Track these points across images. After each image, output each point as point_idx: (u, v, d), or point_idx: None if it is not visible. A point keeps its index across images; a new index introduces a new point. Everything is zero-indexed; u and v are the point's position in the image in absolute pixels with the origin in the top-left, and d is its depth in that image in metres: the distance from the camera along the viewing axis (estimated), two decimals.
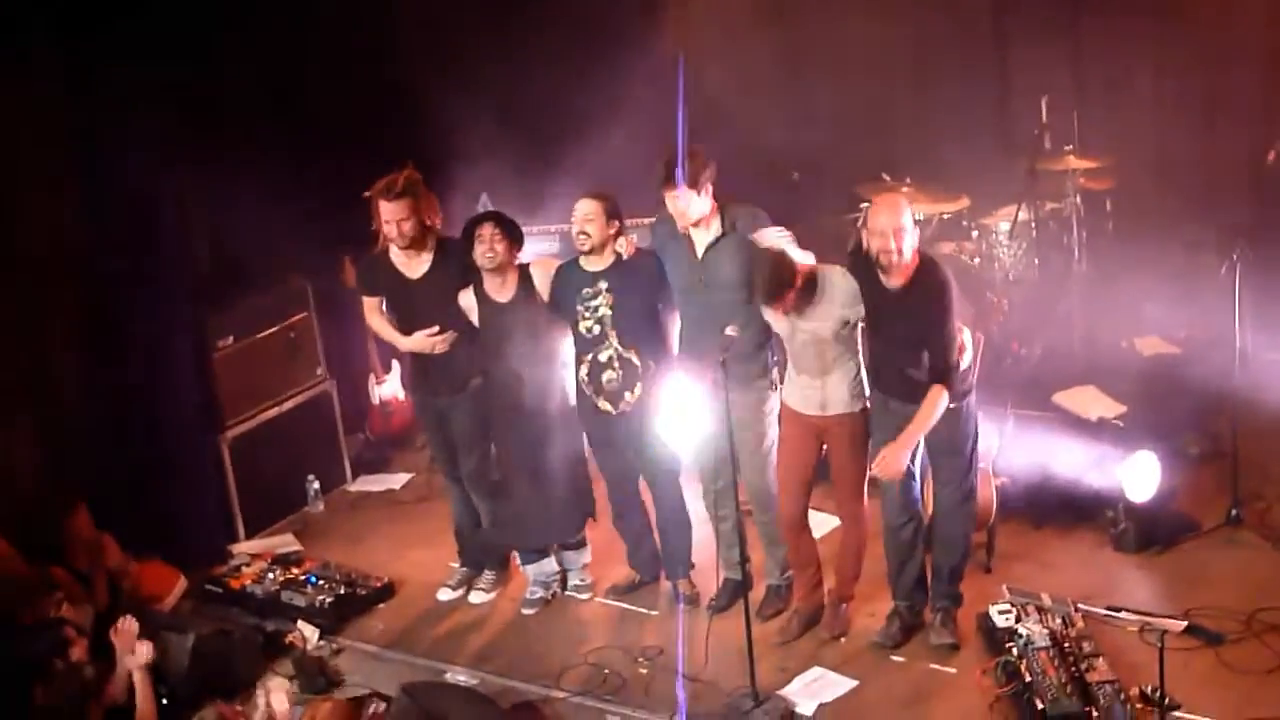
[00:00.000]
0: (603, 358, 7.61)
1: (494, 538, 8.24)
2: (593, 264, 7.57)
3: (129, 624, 6.83)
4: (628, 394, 7.59)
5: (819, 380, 7.21)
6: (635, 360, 7.57)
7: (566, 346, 7.71)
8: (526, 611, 8.12)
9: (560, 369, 7.74)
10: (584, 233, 7.47)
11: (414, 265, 7.89)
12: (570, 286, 7.63)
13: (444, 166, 8.88)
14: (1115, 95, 10.15)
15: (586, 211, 7.48)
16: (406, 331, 8.00)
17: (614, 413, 7.64)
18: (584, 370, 7.66)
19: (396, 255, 7.88)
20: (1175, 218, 9.90)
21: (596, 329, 7.58)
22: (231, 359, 9.22)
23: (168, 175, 8.57)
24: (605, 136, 9.24)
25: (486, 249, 7.53)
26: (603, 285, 7.55)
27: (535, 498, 7.90)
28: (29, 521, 8.01)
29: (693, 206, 7.26)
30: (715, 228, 7.36)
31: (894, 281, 6.85)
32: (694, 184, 7.19)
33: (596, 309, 7.57)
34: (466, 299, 7.74)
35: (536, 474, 7.84)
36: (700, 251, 7.38)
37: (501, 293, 7.68)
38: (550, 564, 8.24)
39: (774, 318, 7.19)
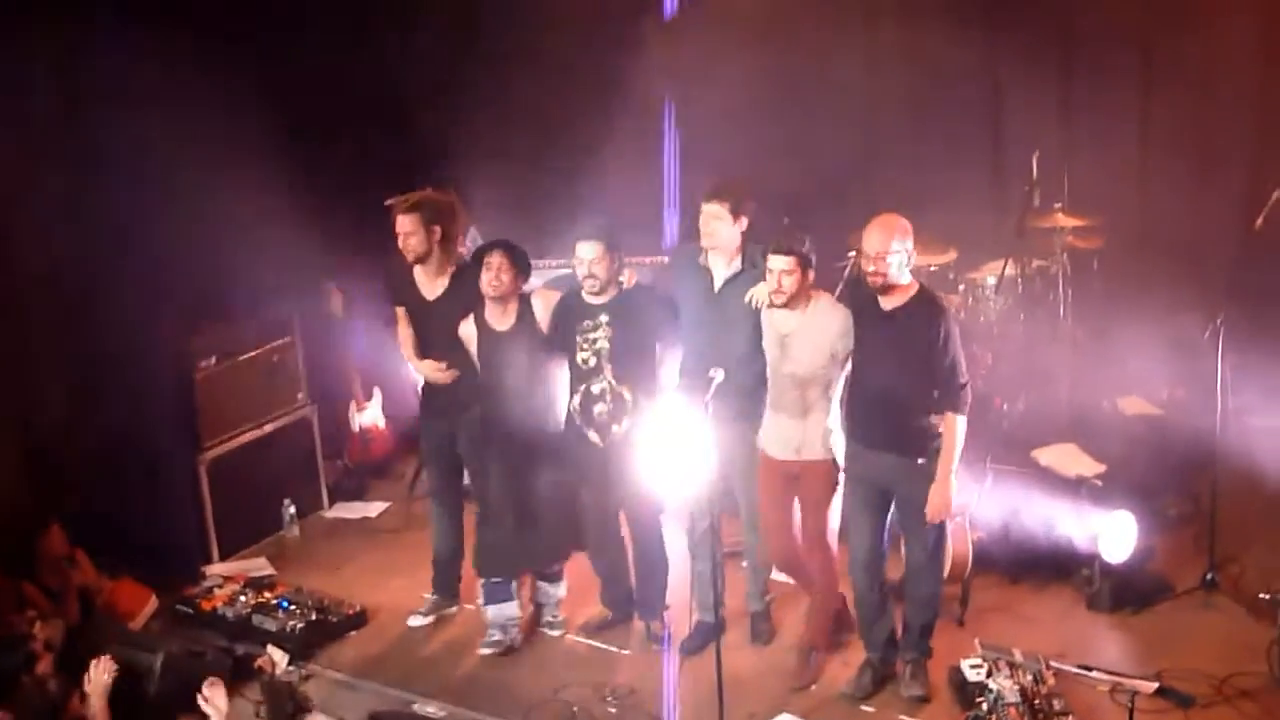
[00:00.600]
0: (595, 389, 7.65)
1: (475, 565, 8.13)
2: (595, 297, 7.62)
3: (105, 664, 6.84)
4: (615, 427, 7.61)
5: (797, 421, 7.22)
6: (626, 395, 7.60)
7: (562, 377, 7.75)
8: (484, 652, 8.02)
9: (555, 399, 7.78)
10: (592, 276, 7.51)
11: (432, 286, 8.04)
12: (571, 317, 7.69)
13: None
14: (1105, 154, 10.17)
15: (593, 255, 7.50)
16: (419, 350, 8.13)
17: (601, 445, 7.67)
18: (576, 400, 7.69)
19: (418, 273, 8.05)
20: (1161, 279, 9.91)
21: (593, 361, 7.63)
22: (213, 380, 9.20)
23: (155, 195, 8.56)
24: (599, 174, 9.29)
25: (493, 277, 7.58)
26: (603, 319, 7.60)
27: (520, 524, 7.87)
28: (2, 536, 7.98)
29: (725, 232, 7.36)
30: (736, 264, 7.44)
31: (890, 303, 6.86)
32: (736, 210, 7.32)
33: (595, 341, 7.62)
34: (466, 329, 7.78)
35: (523, 501, 7.84)
36: (718, 285, 7.45)
37: (501, 321, 7.71)
38: (512, 608, 8.07)
39: (768, 343, 7.21)
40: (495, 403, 7.80)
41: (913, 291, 6.95)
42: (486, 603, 8.07)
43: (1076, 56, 10.45)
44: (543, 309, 7.72)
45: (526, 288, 7.80)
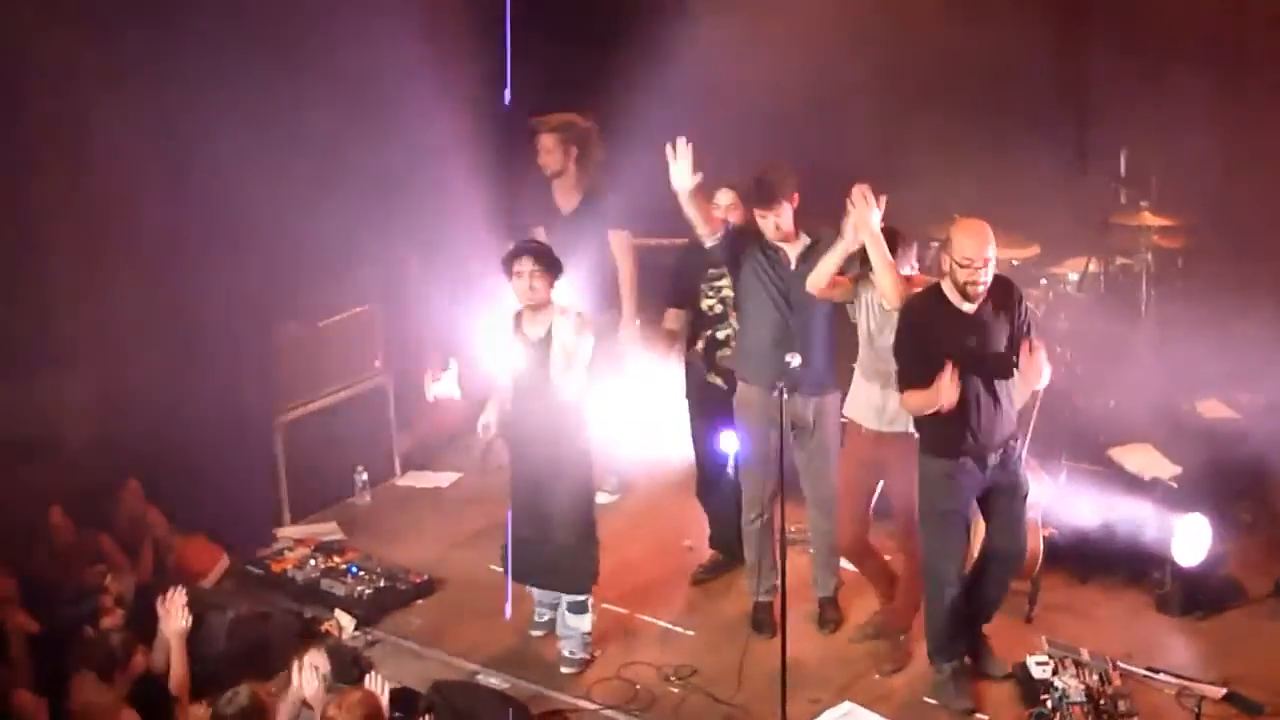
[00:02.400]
0: (720, 335, 8.02)
1: (504, 564, 7.88)
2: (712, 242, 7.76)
3: (178, 595, 6.87)
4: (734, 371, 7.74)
5: (890, 391, 7.18)
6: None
7: (597, 394, 7.69)
8: (533, 633, 7.95)
9: (583, 415, 7.58)
10: (727, 222, 7.68)
11: (567, 201, 8.86)
12: (696, 266, 7.95)
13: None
14: (1194, 155, 10.05)
15: (728, 201, 7.74)
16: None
17: (724, 387, 7.86)
18: (700, 345, 8.02)
19: (555, 188, 8.84)
20: (1245, 281, 9.80)
21: (719, 308, 8.02)
22: (292, 345, 9.28)
23: (243, 161, 8.63)
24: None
25: (526, 286, 7.40)
26: (726, 269, 7.80)
27: (539, 538, 7.63)
28: (82, 491, 8.08)
29: (785, 218, 7.40)
30: (804, 237, 7.47)
31: (971, 305, 6.81)
32: (785, 198, 7.36)
33: (720, 289, 7.96)
34: (506, 335, 7.60)
35: (543, 518, 7.59)
36: (794, 263, 7.47)
37: (536, 328, 7.51)
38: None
39: (865, 315, 7.22)
40: (521, 412, 7.62)
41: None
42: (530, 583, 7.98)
43: (1168, 54, 10.32)
44: (572, 329, 7.43)
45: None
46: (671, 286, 8.37)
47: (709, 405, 8.15)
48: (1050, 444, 8.09)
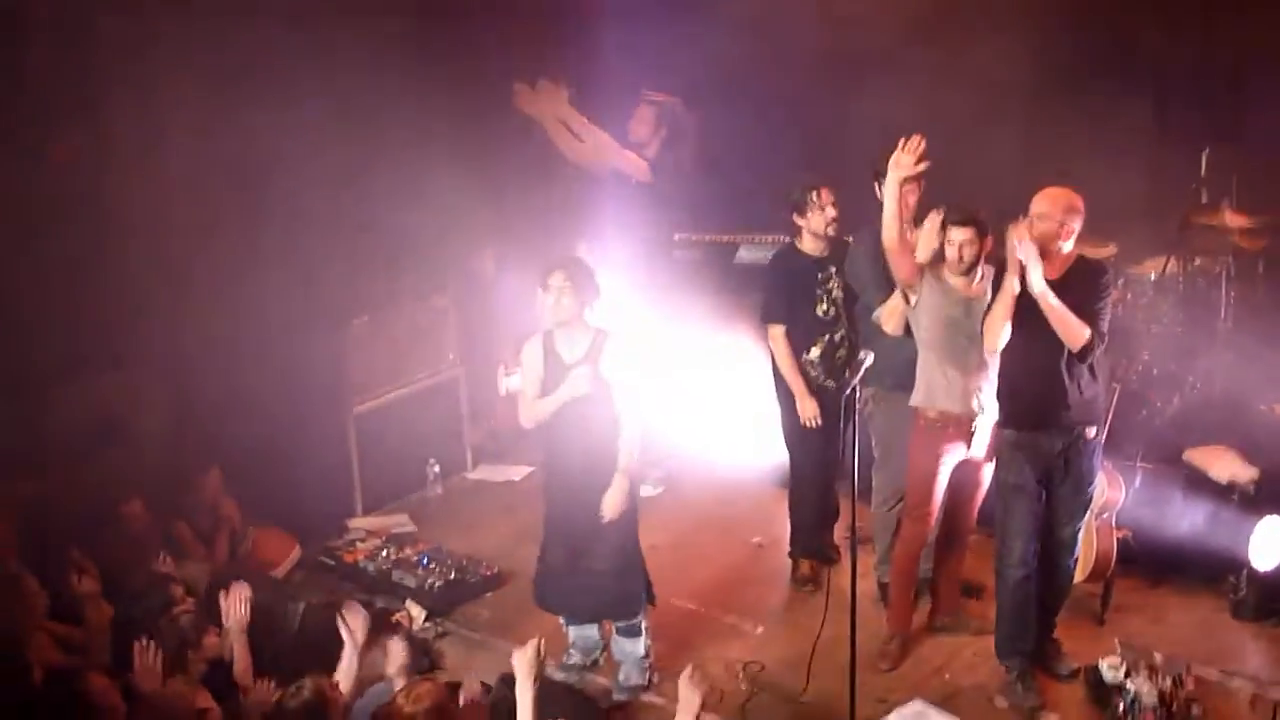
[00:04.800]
0: (837, 337, 8.03)
1: (538, 599, 7.64)
2: (814, 249, 7.91)
3: (240, 589, 6.93)
4: (846, 371, 7.60)
5: (973, 375, 7.21)
6: (855, 339, 7.89)
7: (634, 414, 7.25)
8: (558, 677, 7.49)
9: (615, 441, 7.20)
10: (836, 219, 7.88)
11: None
12: (799, 272, 7.96)
13: None
14: (1278, 155, 9.93)
15: (833, 198, 7.87)
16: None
17: (833, 388, 7.82)
18: (816, 352, 7.98)
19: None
20: None
21: (832, 311, 8.00)
22: (366, 337, 9.34)
23: (322, 155, 8.71)
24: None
25: (554, 301, 7.06)
26: (832, 269, 7.95)
27: (577, 569, 7.33)
28: (158, 481, 8.17)
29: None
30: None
31: (1050, 272, 6.76)
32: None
33: (831, 291, 7.96)
34: (531, 351, 7.27)
35: (581, 548, 7.30)
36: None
37: (569, 349, 7.18)
38: (592, 631, 7.70)
39: (949, 307, 7.20)
40: (554, 440, 7.30)
41: (1073, 260, 6.89)
42: (568, 622, 7.72)
43: (1252, 49, 10.18)
44: (613, 353, 7.14)
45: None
46: (775, 298, 8.10)
47: (822, 410, 8.01)
48: (1126, 445, 8.01)
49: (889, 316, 7.46)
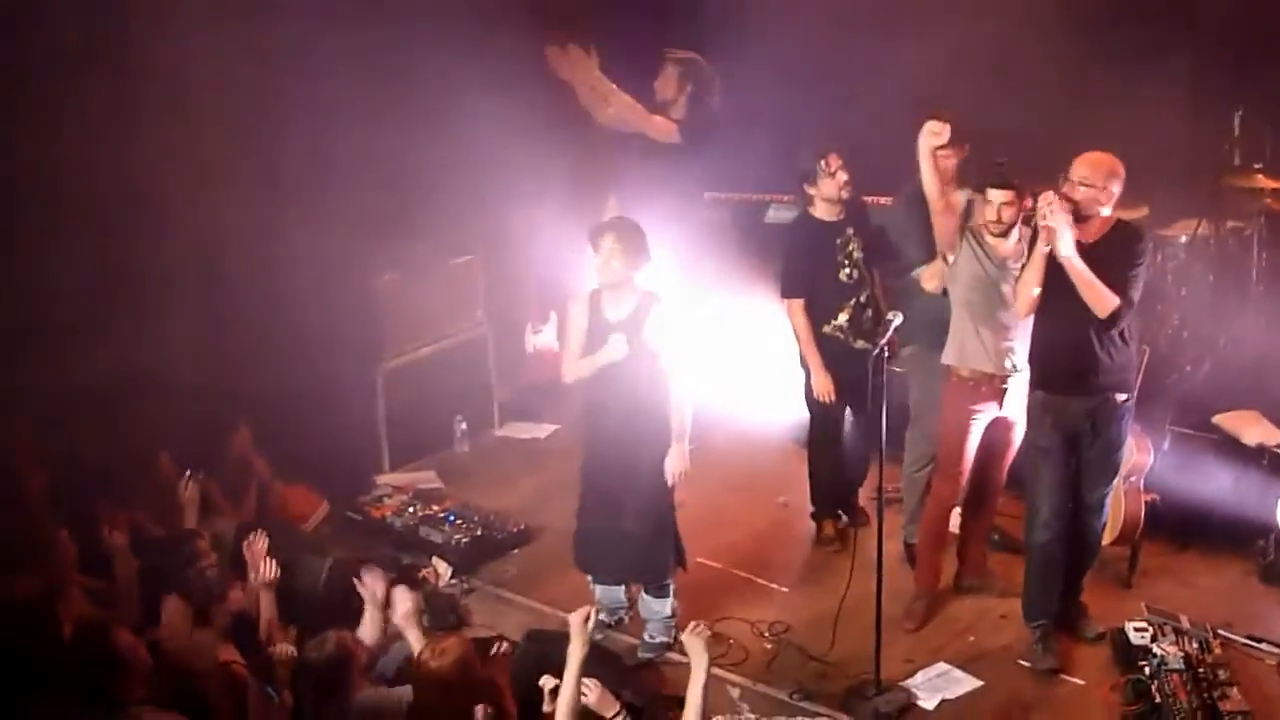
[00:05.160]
0: (864, 299, 8.01)
1: (577, 559, 7.69)
2: (829, 214, 7.91)
3: (259, 542, 6.96)
4: (881, 339, 7.52)
5: (1006, 335, 7.22)
6: (882, 302, 7.92)
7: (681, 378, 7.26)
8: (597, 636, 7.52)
9: (657, 405, 7.22)
10: (849, 182, 7.88)
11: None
12: (818, 240, 7.94)
13: None
14: None
15: (842, 163, 7.86)
16: None
17: (868, 348, 7.48)
18: (844, 317, 7.96)
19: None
20: None
21: (855, 274, 7.98)
22: (394, 294, 9.35)
23: (348, 109, 8.71)
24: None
25: (605, 262, 7.10)
26: (849, 232, 7.96)
27: (612, 529, 7.36)
28: (189, 434, 8.20)
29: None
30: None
31: (1088, 236, 6.75)
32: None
33: (852, 255, 7.96)
34: (577, 308, 7.30)
35: (617, 509, 7.32)
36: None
37: (615, 309, 7.20)
38: (618, 593, 7.74)
39: (985, 265, 7.20)
40: (595, 396, 7.32)
41: (1111, 224, 6.86)
42: (595, 581, 7.73)
43: None
44: (658, 318, 7.14)
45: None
46: (797, 269, 8.08)
47: (846, 372, 7.90)
48: (1155, 408, 7.98)
49: (930, 277, 7.48)
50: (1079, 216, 6.71)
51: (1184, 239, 9.64)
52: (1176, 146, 10.22)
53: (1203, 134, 10.22)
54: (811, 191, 7.95)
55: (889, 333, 6.90)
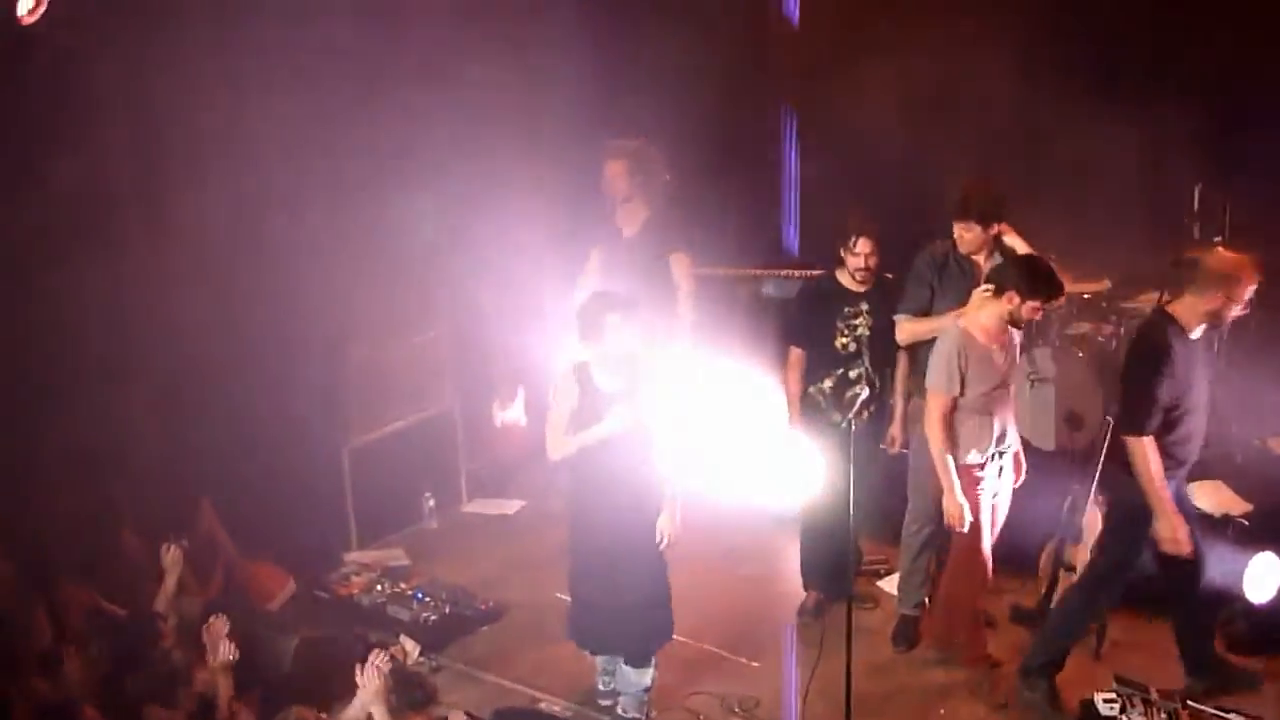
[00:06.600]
0: (853, 374, 7.99)
1: (571, 635, 7.62)
2: (851, 283, 7.95)
3: (219, 624, 6.93)
4: (865, 412, 7.71)
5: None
6: (878, 383, 7.92)
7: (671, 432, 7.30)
8: (603, 702, 7.63)
9: (650, 473, 7.22)
10: (867, 268, 7.90)
11: (630, 223, 8.75)
12: (830, 302, 7.97)
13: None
14: (1269, 190, 9.96)
15: (869, 249, 7.87)
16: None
17: (841, 425, 7.23)
18: (829, 384, 7.97)
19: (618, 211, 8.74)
20: None
21: (852, 346, 8.00)
22: (361, 370, 9.34)
23: (315, 187, 8.74)
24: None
25: (613, 339, 7.01)
26: (864, 306, 7.98)
27: (609, 602, 7.29)
28: (152, 511, 8.15)
29: (976, 239, 7.65)
30: (996, 256, 7.65)
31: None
32: (984, 220, 7.61)
33: (856, 328, 7.98)
34: (564, 381, 7.21)
35: (614, 581, 7.24)
36: (984, 276, 7.56)
37: (610, 381, 7.14)
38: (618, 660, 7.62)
39: (993, 368, 7.30)
40: (597, 472, 7.18)
41: None
42: (591, 653, 7.69)
43: (1244, 90, 10.23)
44: (654, 386, 7.18)
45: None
46: (797, 321, 8.29)
47: (824, 444, 7.65)
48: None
49: (906, 332, 7.75)
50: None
51: (1147, 310, 9.69)
52: (1138, 221, 10.36)
53: (1163, 208, 10.35)
54: (842, 255, 8.00)
55: (854, 407, 6.92)
